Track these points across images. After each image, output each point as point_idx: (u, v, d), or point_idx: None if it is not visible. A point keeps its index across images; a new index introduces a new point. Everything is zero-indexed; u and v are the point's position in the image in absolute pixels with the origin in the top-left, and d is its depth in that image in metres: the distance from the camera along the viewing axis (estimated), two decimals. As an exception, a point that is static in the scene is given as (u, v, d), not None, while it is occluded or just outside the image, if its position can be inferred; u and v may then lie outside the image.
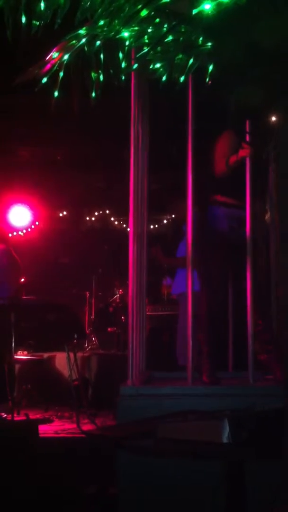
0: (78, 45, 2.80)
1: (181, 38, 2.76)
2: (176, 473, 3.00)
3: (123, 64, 2.98)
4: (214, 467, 2.68)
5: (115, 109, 4.20)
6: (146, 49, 2.78)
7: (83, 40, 2.79)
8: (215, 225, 3.90)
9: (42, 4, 2.65)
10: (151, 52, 2.83)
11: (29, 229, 9.11)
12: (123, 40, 2.86)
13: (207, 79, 2.95)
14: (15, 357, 5.59)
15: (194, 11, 2.50)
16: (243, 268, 3.62)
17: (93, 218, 10.90)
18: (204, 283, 3.89)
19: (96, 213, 10.86)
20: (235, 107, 3.28)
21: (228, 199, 3.93)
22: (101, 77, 2.98)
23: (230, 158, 3.79)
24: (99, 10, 2.63)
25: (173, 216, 10.55)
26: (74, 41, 2.81)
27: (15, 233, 8.79)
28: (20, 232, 8.94)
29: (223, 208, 3.92)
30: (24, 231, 9.01)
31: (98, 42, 2.84)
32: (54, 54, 2.82)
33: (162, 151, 6.86)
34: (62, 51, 2.82)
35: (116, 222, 10.99)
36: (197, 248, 3.74)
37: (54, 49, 2.85)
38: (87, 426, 4.98)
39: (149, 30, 2.76)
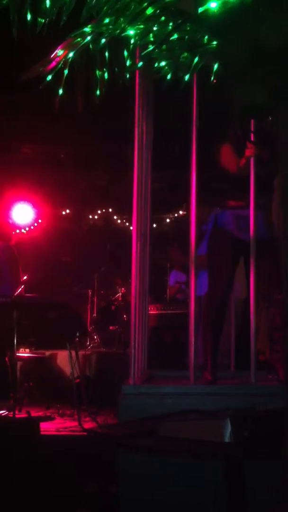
0: (83, 43, 2.80)
1: (186, 37, 2.75)
2: (177, 472, 3.00)
3: (128, 62, 2.97)
4: (215, 466, 2.68)
5: (119, 107, 4.20)
6: (151, 48, 2.78)
7: (88, 38, 2.79)
8: (223, 227, 3.91)
9: (48, 2, 2.64)
10: (156, 50, 2.82)
11: (32, 227, 9.11)
12: (128, 38, 2.85)
13: (212, 78, 2.94)
14: (17, 354, 5.59)
15: (200, 10, 2.50)
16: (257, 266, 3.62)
17: (95, 217, 10.91)
18: (211, 283, 3.91)
19: (98, 211, 10.86)
20: (239, 106, 3.28)
21: (235, 202, 3.93)
22: (106, 75, 2.97)
23: (240, 161, 3.80)
24: (105, 8, 2.63)
25: (175, 215, 10.53)
26: (79, 39, 2.80)
27: (17, 231, 8.79)
28: (23, 230, 8.94)
29: (229, 211, 3.93)
30: (27, 229, 9.00)
31: (103, 40, 2.83)
32: (59, 52, 2.82)
33: (166, 150, 6.85)
34: (67, 48, 2.81)
35: (118, 221, 10.99)
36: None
37: (59, 47, 2.85)
38: (88, 424, 4.99)
39: (155, 29, 2.75)
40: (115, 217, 10.98)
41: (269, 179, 3.76)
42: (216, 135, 3.99)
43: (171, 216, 10.69)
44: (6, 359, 5.45)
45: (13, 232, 8.06)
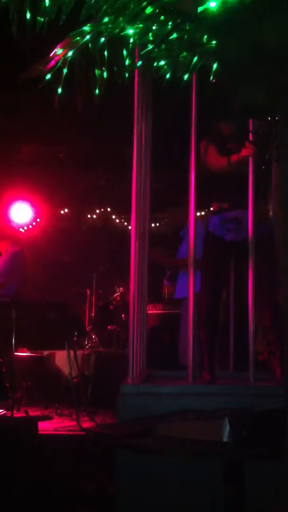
0: (82, 42, 2.79)
1: (185, 36, 2.75)
2: (175, 472, 3.00)
3: (127, 62, 2.97)
4: (214, 466, 2.68)
5: (118, 106, 4.19)
6: (150, 47, 2.78)
7: (88, 37, 2.78)
8: (213, 232, 3.95)
9: (47, 1, 2.64)
10: (156, 49, 2.82)
11: (30, 226, 9.11)
12: (127, 37, 2.85)
13: (211, 78, 2.94)
14: (16, 354, 5.59)
15: (199, 9, 2.49)
16: (246, 266, 3.62)
17: (94, 216, 10.90)
18: (203, 283, 3.92)
19: (97, 211, 10.86)
20: (238, 106, 3.28)
21: (221, 204, 3.96)
22: (105, 74, 2.97)
23: (231, 157, 3.80)
24: (104, 7, 2.63)
25: (166, 220, 10.52)
26: (78, 38, 2.80)
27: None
28: (21, 229, 8.94)
29: (216, 216, 3.96)
30: (26, 228, 9.01)
31: (102, 39, 2.83)
32: (58, 51, 2.81)
33: (165, 150, 6.85)
34: (66, 47, 2.81)
35: (117, 220, 10.98)
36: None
37: (58, 46, 2.85)
38: (86, 424, 4.98)
39: (154, 28, 2.75)
40: (114, 217, 10.98)
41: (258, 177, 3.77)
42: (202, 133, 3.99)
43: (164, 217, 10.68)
44: (1, 360, 5.45)
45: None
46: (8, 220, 8.24)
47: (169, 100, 3.78)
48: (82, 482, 3.73)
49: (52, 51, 2.85)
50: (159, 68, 3.06)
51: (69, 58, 2.83)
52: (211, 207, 4.07)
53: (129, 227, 3.72)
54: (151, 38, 2.80)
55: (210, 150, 3.97)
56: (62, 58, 2.83)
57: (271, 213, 4.00)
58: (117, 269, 8.52)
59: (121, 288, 8.15)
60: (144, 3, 2.56)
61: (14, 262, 6.10)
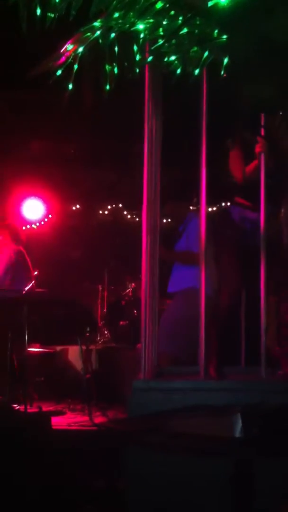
0: (92, 37, 2.79)
1: (196, 31, 2.74)
2: (185, 469, 3.00)
3: (138, 57, 2.96)
4: (224, 463, 2.67)
5: (127, 102, 4.19)
6: (160, 42, 2.77)
7: (98, 32, 2.78)
8: (231, 230, 3.91)
9: (57, -4, 2.65)
10: (166, 44, 2.81)
11: (42, 222, 9.12)
12: (137, 32, 2.85)
13: (222, 72, 2.93)
14: (28, 349, 5.61)
15: (210, 4, 2.49)
16: (257, 265, 3.60)
17: (105, 212, 10.90)
18: (223, 282, 3.90)
19: (108, 207, 10.86)
20: (248, 101, 3.26)
21: (245, 201, 3.92)
22: (115, 70, 2.97)
23: (246, 169, 3.77)
24: (114, 2, 2.62)
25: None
26: (88, 34, 2.80)
27: (28, 226, 8.80)
28: (33, 225, 8.95)
29: (238, 208, 3.91)
30: (37, 224, 9.02)
31: (112, 35, 2.82)
32: (69, 47, 2.82)
33: (176, 146, 6.83)
34: (77, 43, 2.81)
35: (128, 216, 10.98)
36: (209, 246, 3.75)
37: (68, 42, 2.85)
38: (99, 419, 5.00)
39: (164, 23, 2.75)
40: (125, 212, 10.97)
41: (275, 188, 3.73)
42: (226, 137, 3.96)
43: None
44: (17, 354, 5.48)
45: (23, 227, 8.16)
46: (14, 217, 8.24)
47: (179, 95, 3.77)
48: (92, 478, 3.74)
49: (62, 47, 2.85)
50: (170, 63, 3.05)
51: (79, 54, 2.83)
52: (234, 199, 3.97)
53: (140, 222, 3.71)
54: (161, 33, 2.80)
55: (231, 157, 3.94)
56: (73, 54, 2.83)
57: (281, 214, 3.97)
58: (129, 265, 8.51)
59: (132, 284, 8.14)
60: (154, -2, 2.56)
61: (16, 262, 6.19)
